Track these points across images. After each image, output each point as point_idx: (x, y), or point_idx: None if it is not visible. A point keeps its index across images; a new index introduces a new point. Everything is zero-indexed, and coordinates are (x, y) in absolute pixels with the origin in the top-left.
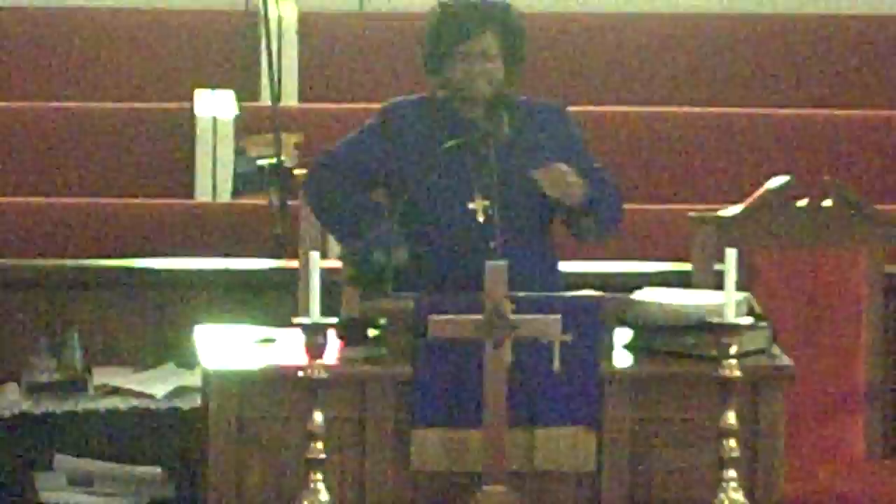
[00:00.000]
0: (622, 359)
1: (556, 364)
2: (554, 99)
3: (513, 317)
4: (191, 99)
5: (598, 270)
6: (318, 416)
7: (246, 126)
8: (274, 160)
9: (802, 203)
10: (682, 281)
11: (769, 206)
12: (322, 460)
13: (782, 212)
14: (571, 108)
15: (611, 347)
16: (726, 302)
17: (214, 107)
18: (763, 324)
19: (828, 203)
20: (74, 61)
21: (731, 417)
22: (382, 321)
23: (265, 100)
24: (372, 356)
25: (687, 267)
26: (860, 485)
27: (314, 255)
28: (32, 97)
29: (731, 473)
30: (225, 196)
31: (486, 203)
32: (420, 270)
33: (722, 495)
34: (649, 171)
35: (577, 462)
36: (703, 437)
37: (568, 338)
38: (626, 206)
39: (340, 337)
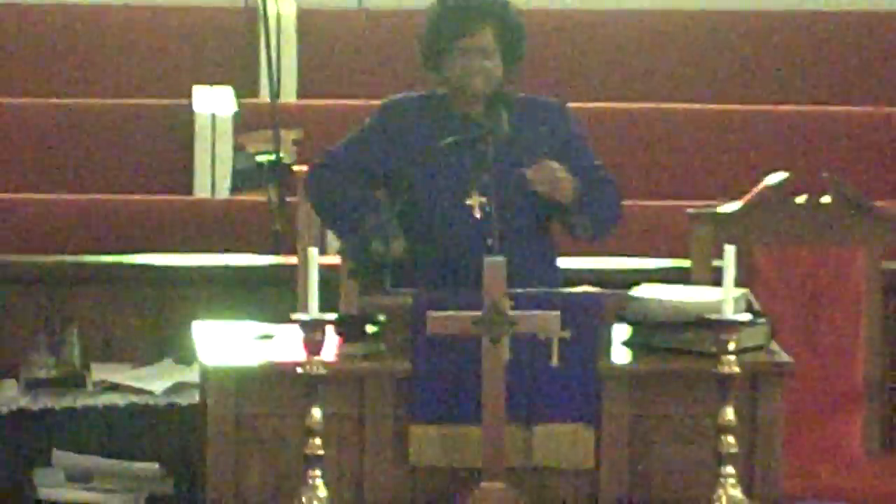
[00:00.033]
0: (621, 355)
1: (555, 360)
2: (553, 96)
3: (511, 313)
4: (189, 95)
5: (597, 267)
6: (316, 413)
7: (245, 122)
8: (273, 157)
9: (801, 200)
10: (681, 277)
11: (768, 202)
12: (320, 456)
13: (781, 208)
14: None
15: (609, 344)
16: (725, 298)
17: (213, 103)
18: (761, 320)
19: (827, 200)
20: (73, 58)
21: (729, 414)
22: (381, 317)
23: (264, 96)
24: (370, 352)
25: (686, 263)
26: (859, 481)
27: (313, 252)
28: (31, 94)
29: (730, 470)
30: (223, 192)
31: (483, 200)
32: (418, 266)
33: (720, 491)
34: (648, 167)
35: (575, 458)
36: (702, 434)
37: (566, 334)
38: (625, 202)
39: (339, 333)
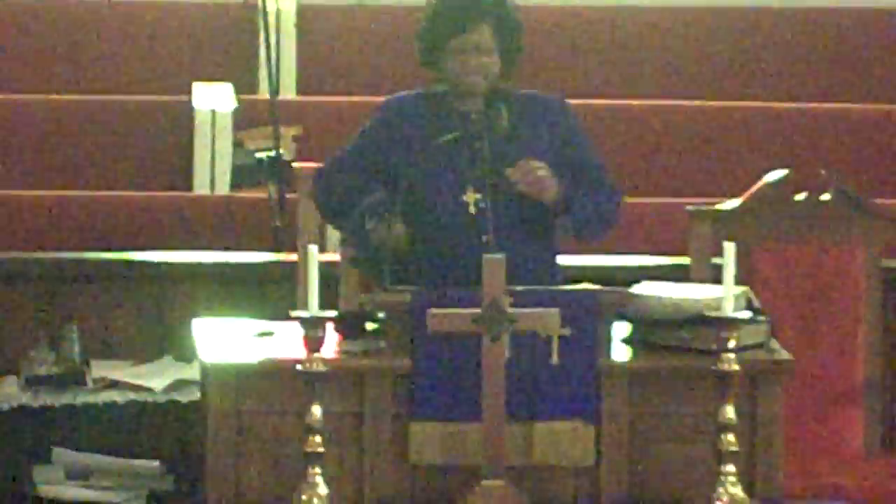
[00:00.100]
0: (620, 353)
1: (555, 358)
2: (551, 92)
3: (511, 310)
4: (189, 92)
5: (597, 264)
6: (316, 410)
7: (244, 119)
8: (272, 153)
9: (801, 197)
10: (681, 275)
11: (767, 199)
12: (321, 454)
13: (781, 206)
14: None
15: (609, 341)
16: (724, 296)
17: (213, 100)
18: (761, 318)
19: (826, 197)
20: (73, 54)
21: (729, 411)
22: (381, 315)
23: (263, 93)
24: (370, 350)
25: (685, 261)
26: (858, 479)
27: (313, 249)
28: (31, 90)
29: (730, 468)
30: (223, 189)
31: (479, 196)
32: (415, 263)
33: (721, 489)
34: (647, 164)
35: (575, 456)
36: (702, 432)
37: (566, 332)
38: (625, 199)
39: (339, 330)
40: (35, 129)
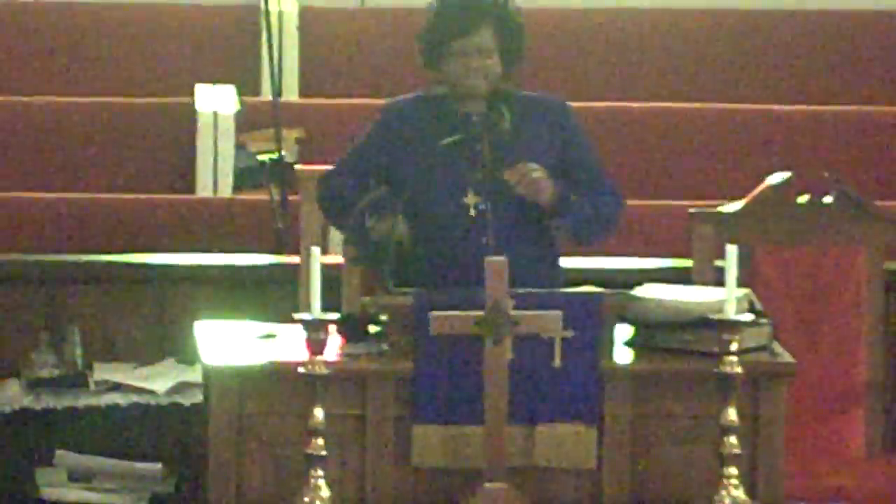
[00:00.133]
0: (623, 355)
1: (557, 360)
2: (553, 94)
3: (513, 313)
4: (192, 94)
5: (599, 266)
6: (318, 413)
7: (247, 121)
8: (275, 155)
9: (803, 200)
10: (683, 277)
11: (770, 202)
12: (323, 457)
13: (783, 208)
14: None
15: (611, 344)
16: (727, 298)
17: (215, 102)
18: (763, 320)
19: (828, 200)
20: (75, 56)
21: (731, 414)
22: (383, 317)
23: (266, 95)
24: (373, 352)
25: (687, 263)
26: (860, 481)
27: (315, 251)
28: (33, 92)
29: (732, 470)
30: (226, 191)
31: (479, 198)
32: (417, 265)
33: (723, 492)
34: (650, 167)
35: (577, 459)
36: (704, 434)
37: (569, 334)
38: (627, 202)
39: (341, 333)
40: (37, 131)
